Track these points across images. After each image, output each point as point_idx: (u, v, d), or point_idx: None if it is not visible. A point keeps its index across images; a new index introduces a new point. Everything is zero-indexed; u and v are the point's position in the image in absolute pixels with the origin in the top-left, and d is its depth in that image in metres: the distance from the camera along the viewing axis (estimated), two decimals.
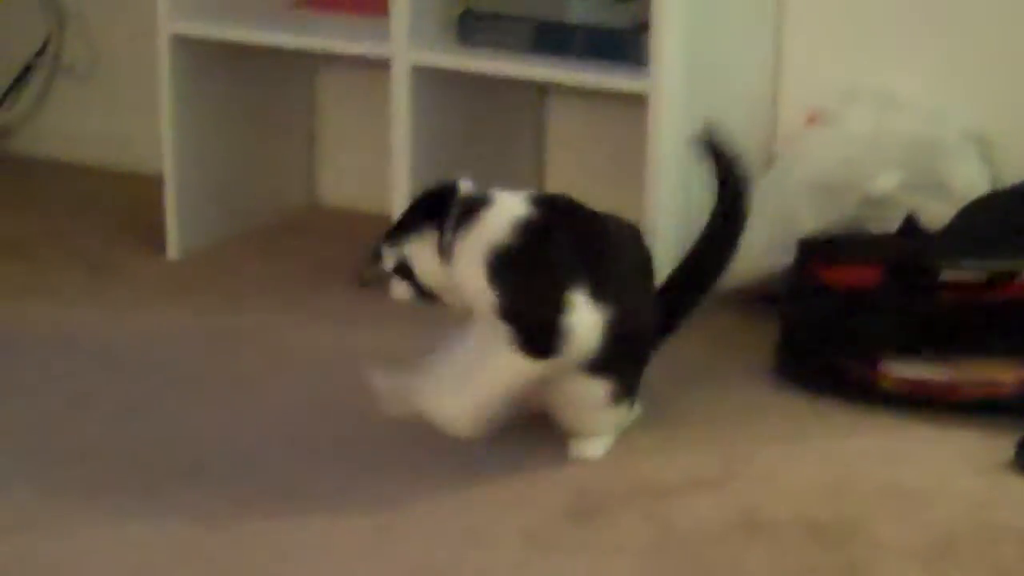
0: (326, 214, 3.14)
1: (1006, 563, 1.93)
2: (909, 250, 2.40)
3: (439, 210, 2.09)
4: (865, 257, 2.41)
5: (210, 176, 2.93)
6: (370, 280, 2.46)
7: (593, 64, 2.57)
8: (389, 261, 2.14)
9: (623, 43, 2.57)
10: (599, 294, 2.06)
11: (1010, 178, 2.58)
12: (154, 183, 2.91)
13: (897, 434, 2.25)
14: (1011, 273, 2.33)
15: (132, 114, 3.23)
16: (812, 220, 2.55)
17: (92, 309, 2.67)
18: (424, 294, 2.14)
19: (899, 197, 2.55)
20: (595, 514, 2.03)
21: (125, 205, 3.12)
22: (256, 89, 3.00)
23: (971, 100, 2.66)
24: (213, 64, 2.88)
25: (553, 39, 2.62)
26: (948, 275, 2.34)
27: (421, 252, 2.11)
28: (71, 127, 3.37)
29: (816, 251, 2.45)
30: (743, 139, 2.75)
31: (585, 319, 2.05)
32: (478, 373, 2.07)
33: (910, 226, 2.46)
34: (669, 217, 2.51)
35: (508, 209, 2.08)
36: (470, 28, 2.67)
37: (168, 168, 2.86)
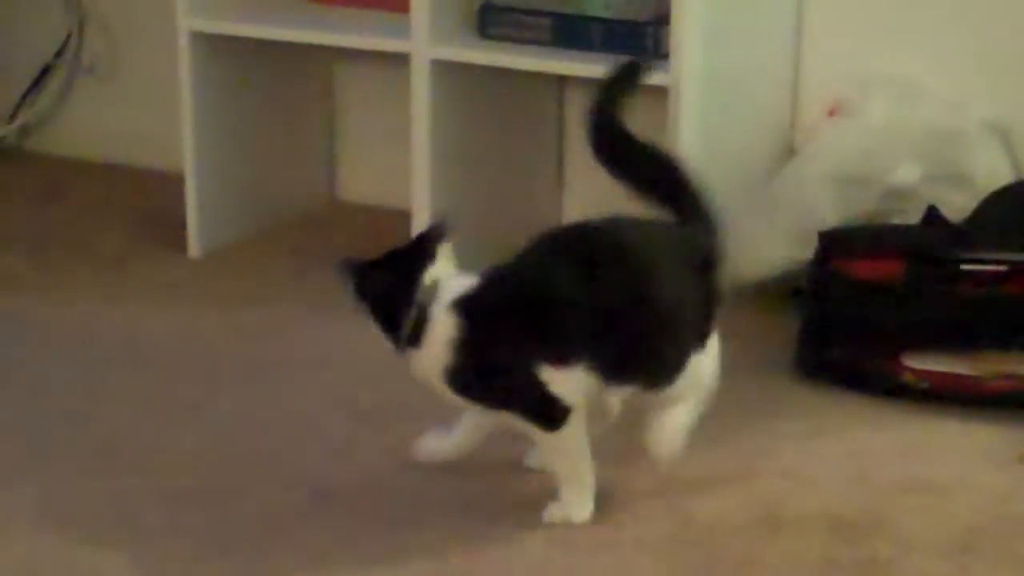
0: (347, 210, 3.13)
1: None
2: (931, 242, 2.38)
3: (392, 316, 1.98)
4: (886, 250, 2.39)
5: (230, 173, 2.93)
6: None
7: (613, 57, 2.56)
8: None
9: (643, 36, 2.57)
10: (581, 339, 1.93)
11: None
12: (174, 181, 2.91)
13: (919, 428, 2.25)
14: None
15: (152, 112, 3.23)
16: (833, 212, 2.54)
17: (113, 307, 2.67)
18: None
19: (920, 189, 2.54)
20: (617, 511, 2.02)
21: (146, 203, 3.12)
22: (275, 85, 3.00)
23: (992, 90, 2.65)
24: (232, 61, 2.88)
25: (573, 32, 2.61)
26: (970, 267, 2.33)
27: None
28: (92, 125, 3.38)
29: (837, 244, 2.43)
30: (763, 131, 2.76)
31: (571, 378, 1.94)
32: (552, 464, 2.02)
33: (932, 218, 2.45)
34: None
35: (442, 331, 1.94)
36: (489, 22, 2.67)
37: (188, 165, 2.86)
